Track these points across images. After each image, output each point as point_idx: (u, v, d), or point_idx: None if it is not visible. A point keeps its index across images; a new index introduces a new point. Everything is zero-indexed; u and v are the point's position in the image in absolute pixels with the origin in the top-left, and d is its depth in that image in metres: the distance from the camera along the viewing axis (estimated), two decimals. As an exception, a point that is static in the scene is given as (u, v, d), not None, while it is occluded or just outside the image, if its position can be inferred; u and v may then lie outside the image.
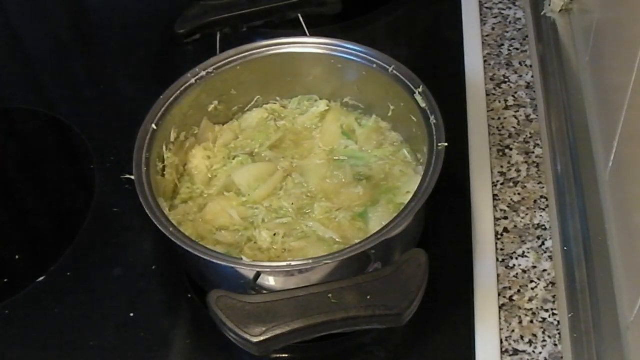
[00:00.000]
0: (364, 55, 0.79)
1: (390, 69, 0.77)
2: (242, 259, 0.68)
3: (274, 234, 0.73)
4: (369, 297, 0.60)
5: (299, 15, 0.85)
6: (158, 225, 0.67)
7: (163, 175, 0.77)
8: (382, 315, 0.60)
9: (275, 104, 0.85)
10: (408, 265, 0.62)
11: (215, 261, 0.65)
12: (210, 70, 0.80)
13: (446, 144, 0.70)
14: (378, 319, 0.60)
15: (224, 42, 0.83)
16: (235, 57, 0.81)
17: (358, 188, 0.76)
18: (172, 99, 0.78)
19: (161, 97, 0.77)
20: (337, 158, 0.80)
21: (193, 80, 0.79)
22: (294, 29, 0.85)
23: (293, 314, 0.60)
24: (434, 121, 0.72)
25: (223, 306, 0.61)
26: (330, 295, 0.60)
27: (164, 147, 0.77)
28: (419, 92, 0.74)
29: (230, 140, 0.83)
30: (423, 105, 0.74)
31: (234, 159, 0.81)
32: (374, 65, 0.78)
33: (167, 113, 0.77)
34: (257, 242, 0.73)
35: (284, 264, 0.64)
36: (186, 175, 0.80)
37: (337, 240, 0.72)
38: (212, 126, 0.83)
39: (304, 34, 0.83)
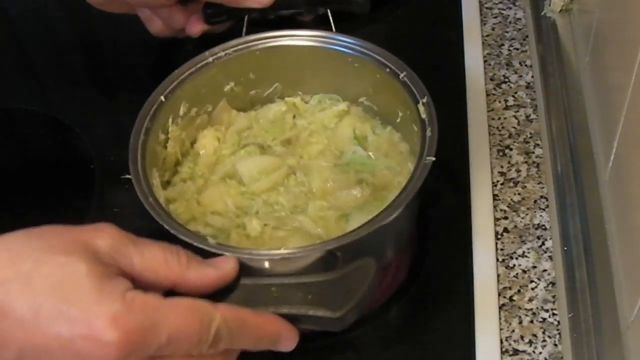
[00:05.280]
0: (379, 58, 0.78)
1: (402, 76, 0.76)
2: (206, 239, 0.66)
3: (265, 225, 0.73)
4: (310, 297, 0.59)
5: (328, 11, 0.84)
6: (136, 188, 0.68)
7: (165, 147, 0.77)
8: (319, 317, 0.59)
9: (296, 97, 0.85)
10: (355, 273, 0.61)
11: (172, 231, 0.65)
12: (229, 51, 0.80)
13: (434, 159, 0.68)
14: (315, 320, 0.59)
15: (250, 27, 0.83)
16: (255, 42, 0.81)
17: (356, 190, 0.76)
18: (186, 74, 0.78)
19: (175, 71, 0.78)
20: (343, 162, 0.79)
21: (210, 59, 0.79)
22: (322, 24, 0.84)
23: (234, 301, 0.59)
24: (429, 134, 0.70)
25: None
26: (273, 289, 0.60)
27: (170, 120, 0.77)
28: (422, 103, 0.73)
29: (243, 129, 0.83)
30: (423, 116, 0.72)
31: (243, 147, 0.81)
32: (387, 70, 0.77)
33: (178, 87, 0.77)
34: (246, 229, 0.73)
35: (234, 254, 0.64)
36: (191, 154, 0.80)
37: (323, 237, 0.72)
38: (229, 109, 0.83)
39: (330, 29, 0.82)
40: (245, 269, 0.64)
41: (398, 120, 0.79)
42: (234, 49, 0.80)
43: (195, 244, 0.64)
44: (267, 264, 0.65)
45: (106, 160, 0.88)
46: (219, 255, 0.62)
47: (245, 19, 0.85)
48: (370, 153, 0.80)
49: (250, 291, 0.60)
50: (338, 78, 0.82)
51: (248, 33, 0.82)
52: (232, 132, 0.82)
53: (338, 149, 0.80)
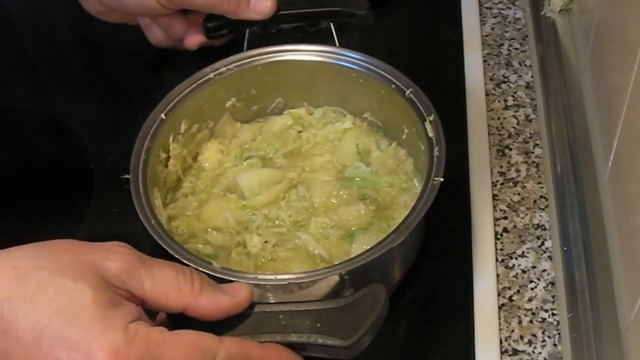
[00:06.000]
0: (384, 74, 0.77)
1: (407, 92, 0.74)
2: (211, 263, 0.66)
3: (265, 241, 0.72)
4: (319, 325, 0.58)
5: (331, 25, 0.84)
6: (138, 211, 0.68)
7: (166, 166, 0.77)
8: (329, 346, 0.58)
9: (301, 109, 0.84)
10: (365, 300, 0.59)
11: (176, 255, 0.64)
12: (230, 67, 0.79)
13: (442, 179, 0.67)
14: (324, 348, 0.58)
15: (251, 41, 0.83)
16: (257, 57, 0.80)
17: (360, 205, 0.75)
18: (186, 90, 0.77)
19: (175, 87, 0.77)
20: (346, 177, 0.78)
21: (211, 75, 0.79)
22: (325, 37, 0.83)
23: (241, 329, 0.59)
24: (437, 153, 0.69)
25: None
26: (281, 317, 0.59)
27: (171, 138, 0.77)
28: (430, 121, 0.72)
29: (247, 141, 0.82)
30: (431, 134, 0.71)
31: (245, 160, 0.80)
32: (392, 86, 0.76)
33: (179, 104, 0.76)
34: (247, 247, 0.72)
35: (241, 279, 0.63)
36: (194, 168, 0.80)
37: (325, 258, 0.71)
38: (233, 122, 0.83)
39: (333, 43, 0.81)
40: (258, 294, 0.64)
41: (404, 137, 0.78)
42: (235, 64, 0.79)
43: (200, 269, 0.63)
44: (273, 289, 0.64)
45: (106, 160, 0.88)
46: (223, 280, 0.62)
47: (247, 33, 0.84)
48: (374, 169, 0.79)
49: (258, 318, 0.59)
50: (342, 93, 0.82)
51: (249, 47, 0.82)
52: (235, 145, 0.82)
53: (340, 162, 0.80)
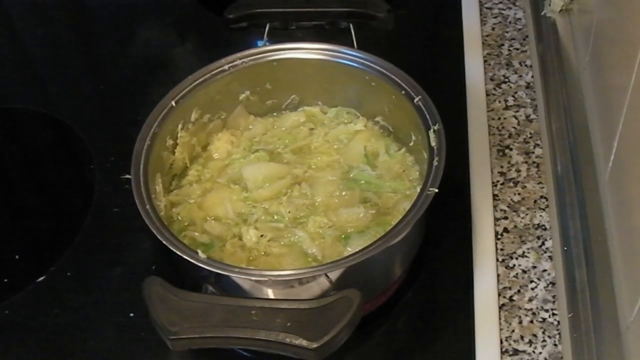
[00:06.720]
0: (395, 79, 0.77)
1: (416, 100, 0.74)
2: (197, 252, 0.65)
3: (261, 235, 0.72)
4: (289, 324, 0.58)
5: (350, 25, 0.83)
6: (135, 195, 0.68)
7: (173, 153, 0.77)
8: (295, 346, 0.58)
9: (316, 107, 0.84)
10: (338, 303, 0.59)
11: (164, 241, 0.65)
12: (245, 60, 0.80)
13: (436, 190, 0.67)
14: (291, 348, 0.58)
15: (271, 36, 0.83)
16: (273, 52, 0.80)
17: (360, 208, 0.75)
18: (199, 80, 0.78)
19: (189, 77, 0.78)
20: (350, 178, 0.78)
21: (226, 67, 0.79)
22: (343, 37, 0.83)
23: (211, 321, 0.59)
24: (436, 163, 0.69)
25: (155, 294, 0.62)
26: (253, 312, 0.59)
27: (180, 126, 0.77)
28: (434, 130, 0.72)
29: (258, 134, 0.83)
30: (433, 144, 0.71)
31: (253, 152, 0.81)
32: (403, 92, 0.76)
33: (191, 93, 0.77)
34: (242, 239, 0.73)
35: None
36: (202, 157, 0.81)
37: (318, 257, 0.71)
38: (246, 114, 0.83)
39: (351, 44, 0.81)
40: (231, 288, 0.63)
41: (411, 143, 0.78)
42: (250, 58, 0.80)
43: (184, 256, 0.63)
44: (257, 285, 0.65)
45: (106, 160, 0.88)
46: (207, 269, 0.62)
47: (267, 28, 0.84)
48: (379, 173, 0.79)
49: (231, 311, 0.60)
50: (356, 95, 0.82)
51: (269, 39, 0.82)
52: (246, 138, 0.82)
53: (347, 163, 0.80)
